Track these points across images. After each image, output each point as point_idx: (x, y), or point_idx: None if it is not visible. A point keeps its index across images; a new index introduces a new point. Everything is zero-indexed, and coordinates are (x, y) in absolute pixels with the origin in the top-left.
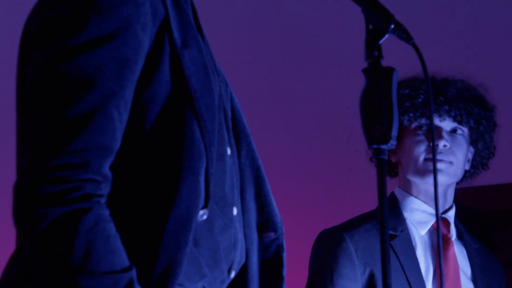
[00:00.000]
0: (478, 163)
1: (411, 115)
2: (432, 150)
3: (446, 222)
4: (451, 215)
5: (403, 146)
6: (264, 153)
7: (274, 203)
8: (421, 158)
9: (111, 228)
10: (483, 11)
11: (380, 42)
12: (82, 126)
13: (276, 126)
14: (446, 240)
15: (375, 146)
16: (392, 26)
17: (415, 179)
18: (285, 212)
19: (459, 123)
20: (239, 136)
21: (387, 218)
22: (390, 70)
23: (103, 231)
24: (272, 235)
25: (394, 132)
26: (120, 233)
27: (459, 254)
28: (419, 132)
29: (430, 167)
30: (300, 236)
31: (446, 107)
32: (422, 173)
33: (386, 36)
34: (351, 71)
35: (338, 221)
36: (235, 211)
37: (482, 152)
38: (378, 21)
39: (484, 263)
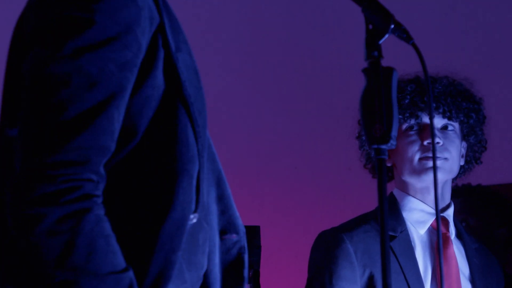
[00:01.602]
0: (471, 158)
1: (400, 117)
2: (433, 151)
3: (445, 221)
4: (449, 213)
5: (397, 148)
6: (264, 153)
7: (235, 206)
8: (416, 157)
9: (109, 228)
10: (483, 11)
11: (380, 42)
12: (84, 125)
13: (276, 126)
14: (446, 239)
15: (375, 146)
16: (392, 26)
17: (411, 179)
18: (285, 212)
19: (449, 119)
20: None
21: (387, 218)
22: (390, 70)
23: (103, 232)
24: (234, 237)
25: (394, 132)
26: (116, 234)
27: (457, 253)
28: (411, 132)
29: (426, 165)
30: (300, 236)
31: (434, 105)
32: (418, 172)
33: (386, 36)
34: (351, 71)
35: (338, 221)
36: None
37: (475, 146)
38: (378, 21)
39: (483, 263)
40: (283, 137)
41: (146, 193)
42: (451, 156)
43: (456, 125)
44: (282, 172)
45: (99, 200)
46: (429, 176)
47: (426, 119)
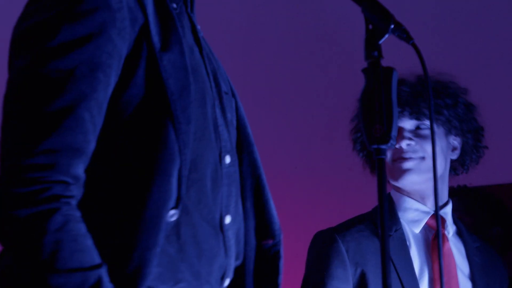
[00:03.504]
0: (470, 148)
1: None
2: (433, 152)
3: (442, 219)
4: (446, 211)
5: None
6: (264, 153)
7: (274, 211)
8: (390, 161)
9: (81, 228)
10: (483, 11)
11: (380, 42)
12: (52, 128)
13: (276, 126)
14: (442, 237)
15: (375, 146)
16: (392, 26)
17: (394, 183)
18: (285, 212)
19: (417, 119)
20: (242, 144)
21: (387, 218)
22: (390, 70)
23: (71, 231)
24: (270, 242)
25: (394, 132)
26: (93, 233)
27: (456, 252)
28: None
29: (401, 168)
30: (300, 236)
31: (400, 109)
32: (395, 176)
33: (386, 36)
34: (351, 71)
35: (337, 221)
36: (228, 219)
37: (465, 137)
38: (378, 21)
39: (484, 261)
40: (283, 137)
41: (121, 191)
42: (427, 155)
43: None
44: (281, 172)
45: (73, 201)
46: (406, 179)
47: (399, 123)
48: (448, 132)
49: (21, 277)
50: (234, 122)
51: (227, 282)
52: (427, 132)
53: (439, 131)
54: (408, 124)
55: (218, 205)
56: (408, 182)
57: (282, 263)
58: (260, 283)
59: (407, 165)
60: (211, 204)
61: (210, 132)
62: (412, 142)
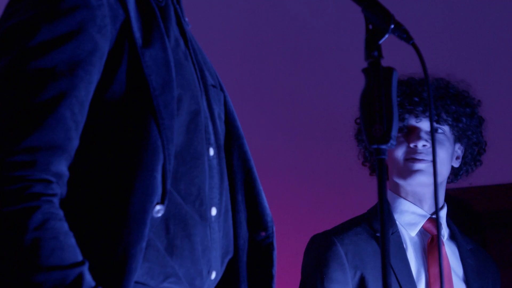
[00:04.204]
0: (470, 160)
1: None
2: (433, 152)
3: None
4: (442, 215)
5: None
6: (264, 153)
7: (266, 203)
8: (401, 159)
9: (62, 226)
10: (483, 10)
11: (380, 42)
12: (32, 126)
13: (276, 126)
14: (437, 241)
15: (375, 146)
16: (392, 26)
17: (399, 181)
18: (284, 212)
19: (437, 122)
20: (232, 138)
21: (388, 218)
22: (390, 70)
23: (52, 229)
24: (263, 234)
25: (394, 132)
26: (76, 230)
27: (450, 255)
28: (399, 134)
29: (412, 167)
30: (300, 236)
31: (421, 108)
32: (403, 174)
33: (386, 36)
34: (351, 71)
35: (337, 222)
36: (213, 211)
37: (470, 148)
38: (378, 21)
39: (477, 263)
40: (283, 137)
41: (105, 188)
42: (439, 159)
43: (446, 128)
44: (282, 172)
45: (54, 199)
46: (415, 180)
47: (413, 122)
48: (457, 140)
49: (1, 275)
50: (222, 116)
51: (213, 275)
52: (441, 136)
53: (450, 137)
54: (426, 125)
55: (207, 198)
56: (416, 182)
57: (276, 254)
58: (255, 275)
59: (419, 165)
60: (202, 195)
61: (197, 125)
62: (428, 144)
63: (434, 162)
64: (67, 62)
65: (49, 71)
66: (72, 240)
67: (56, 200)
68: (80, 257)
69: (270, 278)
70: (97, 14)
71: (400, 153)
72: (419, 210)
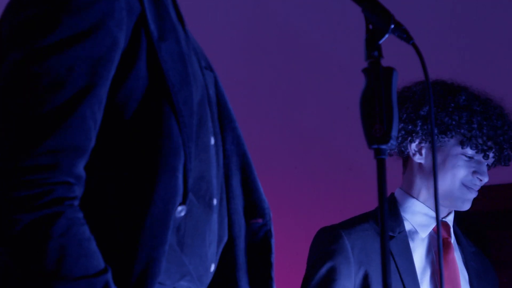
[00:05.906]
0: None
1: (480, 141)
2: (433, 152)
3: (447, 226)
4: (451, 219)
5: (445, 159)
6: (264, 153)
7: (261, 189)
8: (460, 181)
9: (85, 231)
10: (483, 10)
11: (380, 42)
12: (53, 127)
13: (276, 126)
14: (447, 244)
15: (375, 146)
16: (392, 26)
17: (441, 196)
18: (285, 212)
19: (497, 160)
20: (224, 121)
21: (388, 218)
22: (390, 70)
23: (76, 235)
24: (260, 221)
25: (394, 132)
26: (97, 234)
27: (457, 258)
28: (466, 158)
29: (466, 196)
30: (300, 236)
31: (494, 145)
32: (453, 193)
33: (386, 36)
34: (351, 71)
35: (337, 221)
36: (214, 201)
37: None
38: (378, 21)
39: (479, 267)
40: (283, 137)
41: (126, 190)
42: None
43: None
44: (281, 172)
45: (75, 202)
46: (465, 207)
47: (480, 157)
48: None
49: (25, 284)
50: (215, 99)
51: (213, 267)
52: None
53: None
54: (491, 161)
55: (214, 189)
56: (462, 208)
57: (274, 241)
58: (253, 262)
59: (473, 196)
60: (211, 190)
61: (203, 115)
62: (484, 180)
63: (434, 163)
64: (87, 59)
65: (69, 69)
66: (94, 246)
67: (76, 203)
68: (103, 264)
69: (268, 265)
70: (116, 7)
71: (462, 174)
72: (431, 212)
